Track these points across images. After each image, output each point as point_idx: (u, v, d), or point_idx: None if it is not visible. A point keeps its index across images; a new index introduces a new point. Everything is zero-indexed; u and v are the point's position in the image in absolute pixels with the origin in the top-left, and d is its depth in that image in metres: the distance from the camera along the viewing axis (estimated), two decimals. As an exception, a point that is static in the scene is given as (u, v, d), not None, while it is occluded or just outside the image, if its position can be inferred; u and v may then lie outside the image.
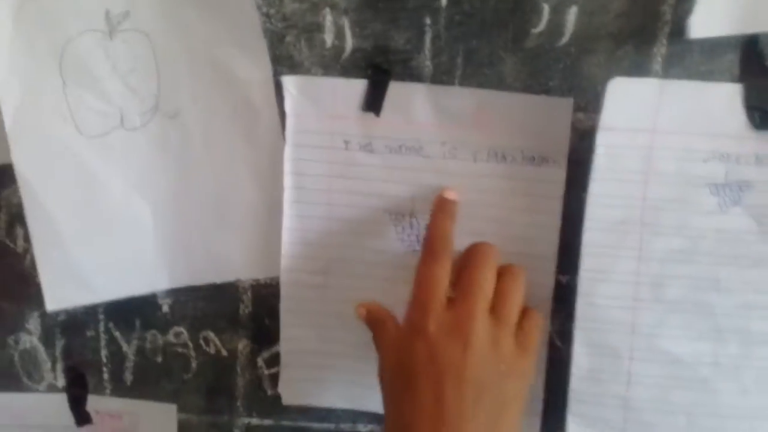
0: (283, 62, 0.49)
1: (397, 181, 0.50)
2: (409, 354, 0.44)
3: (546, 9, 0.47)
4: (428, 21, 0.47)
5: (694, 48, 0.46)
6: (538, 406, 0.52)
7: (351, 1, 0.47)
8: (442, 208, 0.48)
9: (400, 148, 0.50)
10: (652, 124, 0.47)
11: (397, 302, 0.48)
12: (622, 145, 0.47)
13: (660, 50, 0.47)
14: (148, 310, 0.55)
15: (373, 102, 0.49)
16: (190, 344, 0.55)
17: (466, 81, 0.48)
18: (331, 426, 0.57)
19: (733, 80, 0.47)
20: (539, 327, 0.47)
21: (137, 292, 0.53)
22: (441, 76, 0.48)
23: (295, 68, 0.49)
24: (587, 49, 0.47)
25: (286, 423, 0.57)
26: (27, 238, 0.51)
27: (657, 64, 0.47)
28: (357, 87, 0.49)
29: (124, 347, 0.56)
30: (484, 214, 0.50)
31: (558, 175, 0.49)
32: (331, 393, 0.55)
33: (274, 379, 0.55)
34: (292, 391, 0.55)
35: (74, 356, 0.56)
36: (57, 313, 0.55)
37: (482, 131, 0.49)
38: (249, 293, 0.54)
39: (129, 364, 0.56)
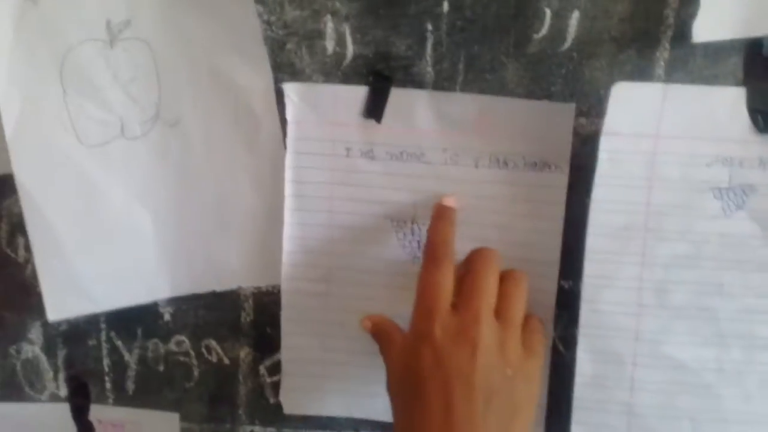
0: (284, 69, 0.49)
1: (398, 187, 0.50)
2: (416, 361, 0.44)
3: (548, 14, 0.46)
4: (429, 27, 0.47)
5: (698, 52, 0.46)
6: (541, 413, 0.52)
7: (352, 8, 0.47)
8: (441, 215, 0.48)
9: (401, 154, 0.49)
10: (655, 128, 0.47)
11: (399, 310, 0.48)
12: (625, 150, 0.47)
13: (663, 54, 0.47)
14: (149, 319, 0.55)
15: (375, 109, 0.49)
16: (192, 353, 0.55)
17: (468, 87, 0.48)
18: (333, 434, 0.57)
19: (736, 84, 0.47)
20: (542, 331, 0.47)
21: (138, 301, 0.53)
22: (442, 83, 0.48)
23: (296, 75, 0.49)
24: (590, 54, 0.47)
25: (288, 431, 0.56)
26: (28, 248, 0.51)
27: (660, 69, 0.47)
28: (358, 94, 0.49)
29: (126, 356, 0.56)
30: (486, 220, 0.50)
31: (560, 180, 0.49)
32: (333, 402, 0.54)
33: (276, 387, 0.55)
34: (293, 399, 0.55)
35: (76, 366, 0.56)
36: (59, 323, 0.55)
37: (484, 137, 0.49)
38: (250, 301, 0.54)
39: (131, 373, 0.56)
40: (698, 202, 0.48)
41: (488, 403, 0.42)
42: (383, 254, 0.51)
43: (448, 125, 0.49)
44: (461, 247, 0.47)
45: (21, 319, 0.55)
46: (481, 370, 0.42)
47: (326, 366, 0.53)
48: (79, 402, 0.57)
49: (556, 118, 0.48)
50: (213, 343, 0.55)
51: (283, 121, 0.49)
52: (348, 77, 0.48)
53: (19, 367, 0.56)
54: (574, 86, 0.47)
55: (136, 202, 0.51)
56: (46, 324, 0.54)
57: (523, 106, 0.48)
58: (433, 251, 0.46)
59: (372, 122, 0.49)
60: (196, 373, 0.56)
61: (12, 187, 0.49)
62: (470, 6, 0.47)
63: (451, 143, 0.49)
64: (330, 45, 0.48)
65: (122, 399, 0.57)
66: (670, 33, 0.46)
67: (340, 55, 0.48)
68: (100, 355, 0.56)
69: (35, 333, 0.56)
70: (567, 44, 0.47)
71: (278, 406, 0.55)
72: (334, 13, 0.47)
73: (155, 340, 0.55)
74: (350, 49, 0.48)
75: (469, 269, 0.46)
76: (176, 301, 0.54)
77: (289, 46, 0.48)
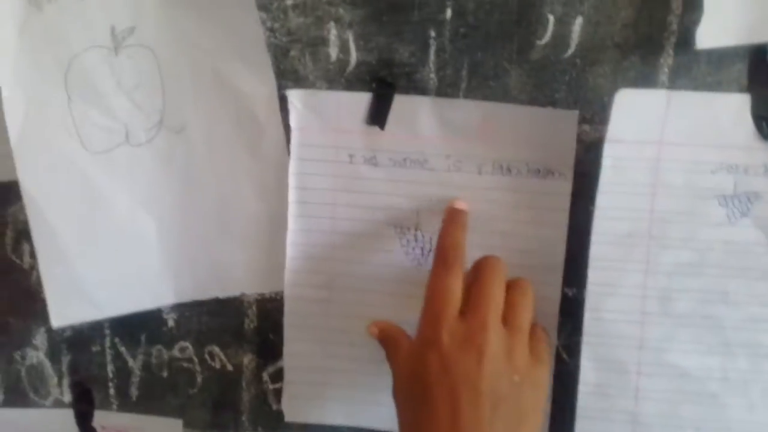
0: (287, 76, 0.49)
1: (401, 194, 0.50)
2: (423, 366, 0.43)
3: (551, 20, 0.46)
4: (433, 34, 0.47)
5: (702, 58, 0.46)
6: (545, 422, 0.51)
7: (355, 15, 0.47)
8: (452, 219, 0.48)
9: (404, 161, 0.49)
10: (659, 135, 0.47)
11: (403, 316, 0.48)
12: (629, 158, 0.47)
13: (667, 61, 0.46)
14: (153, 325, 0.55)
15: (378, 115, 0.49)
16: (196, 359, 0.55)
17: (471, 94, 0.48)
18: (335, 442, 0.56)
19: (741, 90, 0.46)
20: (547, 340, 0.47)
21: (142, 307, 0.53)
22: (446, 89, 0.48)
23: (299, 82, 0.49)
24: (593, 61, 0.47)
25: (290, 438, 0.57)
26: (33, 255, 0.51)
27: (664, 75, 0.47)
28: (361, 100, 0.49)
29: (130, 362, 0.56)
30: (489, 227, 0.49)
31: (564, 187, 0.49)
32: (335, 409, 0.54)
33: (279, 394, 0.55)
34: (295, 407, 0.55)
35: (80, 372, 0.56)
36: (63, 329, 0.55)
37: (487, 144, 0.49)
38: (254, 308, 0.54)
39: (135, 379, 0.56)
40: (702, 209, 0.48)
41: (495, 409, 0.42)
42: (386, 261, 0.51)
43: (451, 132, 0.49)
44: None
45: (26, 325, 0.55)
46: (488, 377, 0.42)
47: (329, 373, 0.53)
48: (83, 408, 0.57)
49: (560, 125, 0.48)
50: (216, 349, 0.55)
51: (287, 128, 0.49)
52: (351, 84, 0.49)
53: (23, 373, 0.57)
54: (577, 93, 0.47)
55: (140, 209, 0.51)
56: (50, 330, 0.54)
57: (526, 112, 0.48)
58: (443, 256, 0.46)
59: (375, 129, 0.49)
60: (199, 379, 0.56)
61: (17, 193, 0.49)
62: (473, 12, 0.47)
63: (455, 150, 0.49)
64: (333, 52, 0.48)
65: (126, 405, 0.57)
66: (673, 39, 0.46)
67: (343, 62, 0.48)
68: (104, 361, 0.56)
69: (40, 339, 0.56)
70: (570, 51, 0.47)
71: (281, 413, 0.55)
72: (338, 20, 0.47)
73: (159, 346, 0.55)
74: (353, 56, 0.48)
75: (476, 277, 0.45)
76: (180, 308, 0.54)
77: (292, 52, 0.48)
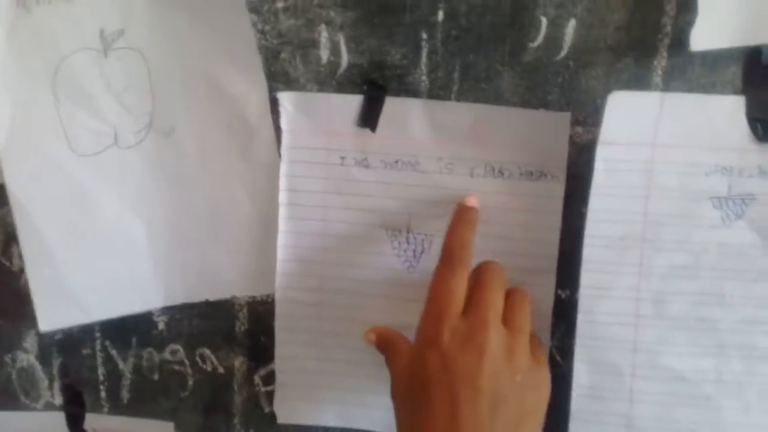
0: (278, 79, 0.48)
1: (393, 196, 0.50)
2: (422, 365, 0.43)
3: (544, 22, 0.46)
4: (424, 36, 0.47)
5: (696, 60, 0.46)
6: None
7: (346, 17, 0.47)
8: (462, 217, 0.47)
9: (396, 163, 0.49)
10: (652, 137, 0.47)
11: (394, 319, 0.48)
12: (622, 160, 0.47)
13: (660, 63, 0.46)
14: (143, 328, 0.54)
15: (369, 118, 0.48)
16: (187, 362, 0.55)
17: (463, 96, 0.48)
18: (328, 444, 0.56)
19: (735, 93, 0.46)
20: (542, 345, 0.48)
21: (132, 310, 0.53)
22: (437, 92, 0.48)
23: (290, 84, 0.48)
24: (586, 63, 0.46)
25: (283, 440, 0.56)
26: (23, 257, 0.51)
27: (657, 77, 0.46)
28: (352, 103, 0.48)
29: (121, 365, 0.56)
30: (482, 230, 0.49)
31: (557, 189, 0.48)
32: (327, 412, 0.54)
33: (271, 396, 0.55)
34: (287, 409, 0.54)
35: (71, 374, 0.56)
36: (54, 332, 0.54)
37: (479, 146, 0.48)
38: (245, 310, 0.54)
39: (126, 382, 0.56)
40: (697, 211, 0.47)
41: (494, 408, 0.41)
42: (378, 263, 0.51)
43: (442, 134, 0.48)
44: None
45: (16, 328, 0.55)
46: (487, 375, 0.42)
47: (320, 376, 0.53)
48: (74, 411, 0.57)
49: (552, 127, 0.47)
50: (207, 352, 0.55)
51: (278, 130, 0.49)
52: (342, 86, 0.48)
53: (14, 376, 0.56)
54: (570, 95, 0.47)
55: (129, 212, 0.51)
56: (41, 333, 0.54)
57: (518, 115, 0.47)
58: (449, 255, 0.45)
59: (366, 131, 0.49)
60: (190, 382, 0.56)
61: (6, 196, 0.49)
62: (465, 14, 0.46)
63: (446, 152, 0.49)
64: (324, 54, 0.48)
65: (117, 408, 0.57)
66: (667, 41, 0.46)
67: (334, 64, 0.48)
68: (94, 364, 0.56)
69: (30, 342, 0.55)
70: (563, 53, 0.46)
71: (273, 416, 0.55)
72: (329, 23, 0.47)
73: (150, 349, 0.55)
74: (345, 58, 0.48)
75: (477, 281, 0.45)
76: (170, 310, 0.54)
77: (283, 55, 0.48)
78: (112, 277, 0.52)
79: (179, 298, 0.53)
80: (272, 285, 0.52)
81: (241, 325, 0.54)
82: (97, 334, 0.55)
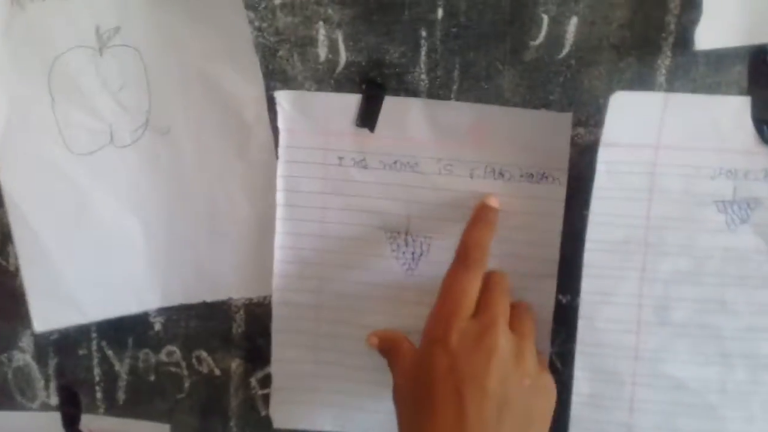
0: (275, 77, 0.48)
1: (391, 197, 0.49)
2: (429, 365, 0.42)
3: (545, 20, 0.45)
4: (424, 34, 0.46)
5: (700, 60, 0.45)
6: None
7: (344, 15, 0.46)
8: (481, 217, 0.47)
9: (394, 164, 0.48)
10: (656, 139, 0.46)
11: (393, 321, 0.48)
12: (624, 162, 0.46)
13: (664, 62, 0.45)
14: (140, 329, 0.54)
15: (368, 117, 0.48)
16: (183, 363, 0.55)
17: (463, 95, 0.47)
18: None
19: (740, 93, 0.45)
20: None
21: (128, 311, 0.53)
22: (437, 91, 0.47)
23: (288, 83, 0.48)
24: (588, 62, 0.46)
25: (279, 444, 0.56)
26: (19, 256, 0.51)
27: (661, 77, 0.45)
28: (351, 102, 0.48)
29: (117, 366, 0.55)
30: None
31: (558, 192, 0.47)
32: (324, 416, 0.53)
33: (268, 399, 0.54)
34: (283, 413, 0.54)
35: (67, 375, 0.56)
36: (50, 332, 0.54)
37: (479, 147, 0.48)
38: (242, 312, 0.53)
39: (122, 383, 0.56)
40: (701, 215, 0.46)
41: (501, 411, 0.41)
42: (376, 265, 0.50)
43: (442, 134, 0.48)
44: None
45: (12, 327, 0.55)
46: (495, 377, 0.41)
47: (317, 379, 0.52)
48: (70, 411, 0.56)
49: (554, 128, 0.47)
50: (204, 354, 0.54)
51: (275, 130, 0.49)
52: (341, 85, 0.48)
53: (10, 376, 0.56)
54: (572, 95, 0.46)
55: (125, 211, 0.50)
56: (37, 333, 0.54)
57: (519, 115, 0.47)
58: (465, 254, 0.45)
59: (365, 131, 0.48)
60: (186, 384, 0.55)
61: (0, 196, 0.49)
62: (465, 12, 0.45)
63: (446, 153, 0.48)
64: (322, 52, 0.47)
65: (113, 409, 0.56)
66: (671, 40, 0.45)
67: (332, 63, 0.47)
68: (91, 365, 0.55)
69: (26, 341, 0.55)
70: (565, 51, 0.46)
71: (269, 419, 0.54)
72: (327, 20, 0.46)
73: (146, 350, 0.55)
74: (343, 56, 0.47)
75: (484, 286, 0.45)
76: (167, 312, 0.54)
77: (280, 53, 0.47)
78: (108, 277, 0.51)
79: (176, 299, 0.53)
80: (269, 286, 0.51)
81: (237, 327, 0.53)
82: (94, 335, 0.55)
